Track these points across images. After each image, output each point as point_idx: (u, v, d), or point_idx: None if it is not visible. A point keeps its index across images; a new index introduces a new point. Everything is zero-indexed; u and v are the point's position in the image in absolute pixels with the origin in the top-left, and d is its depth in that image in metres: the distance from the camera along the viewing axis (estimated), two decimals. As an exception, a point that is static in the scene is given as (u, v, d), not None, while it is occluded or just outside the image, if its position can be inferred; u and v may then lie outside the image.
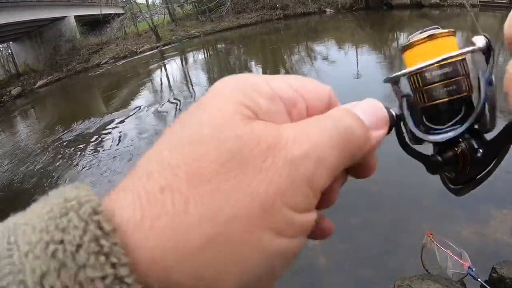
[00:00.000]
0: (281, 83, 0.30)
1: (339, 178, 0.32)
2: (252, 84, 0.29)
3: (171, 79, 17.20)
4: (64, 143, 10.91)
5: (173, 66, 20.18)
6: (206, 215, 0.22)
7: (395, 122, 0.42)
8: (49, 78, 24.96)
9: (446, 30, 0.50)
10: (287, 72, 14.43)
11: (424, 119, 0.51)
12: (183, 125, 0.26)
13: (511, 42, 0.36)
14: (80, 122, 12.52)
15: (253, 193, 0.23)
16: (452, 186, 0.53)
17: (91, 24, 32.54)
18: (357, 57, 14.82)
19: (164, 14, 34.19)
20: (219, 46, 23.90)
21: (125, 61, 25.14)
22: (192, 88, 14.67)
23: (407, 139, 0.47)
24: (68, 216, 0.21)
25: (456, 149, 0.48)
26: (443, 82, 0.48)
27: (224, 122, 0.25)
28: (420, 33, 0.50)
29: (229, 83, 0.29)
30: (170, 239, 0.22)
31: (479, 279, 3.54)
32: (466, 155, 0.48)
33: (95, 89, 19.58)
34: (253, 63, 17.91)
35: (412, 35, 0.51)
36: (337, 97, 0.36)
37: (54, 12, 26.34)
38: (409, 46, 0.51)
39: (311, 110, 0.31)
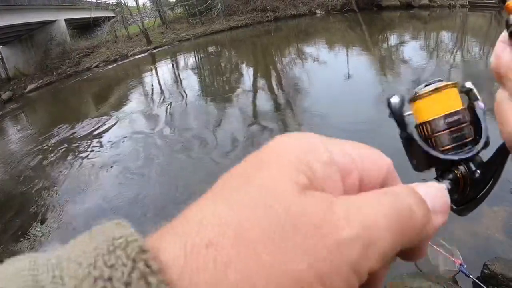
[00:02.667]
0: (339, 148, 0.29)
1: (388, 262, 0.29)
2: (310, 146, 0.28)
3: (162, 82, 17.16)
4: (55, 148, 10.84)
5: (164, 69, 20.15)
6: (241, 284, 0.22)
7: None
8: (39, 82, 24.79)
9: (450, 83, 0.53)
10: (277, 75, 14.47)
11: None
12: (240, 183, 0.26)
13: (496, 73, 0.41)
14: (70, 126, 12.45)
15: (292, 272, 0.22)
16: (454, 207, 0.54)
17: (82, 28, 32.41)
18: (347, 58, 14.85)
19: (155, 17, 34.16)
20: (210, 48, 23.91)
21: (115, 64, 25.05)
22: (183, 91, 14.64)
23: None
24: (115, 253, 0.21)
25: (456, 171, 0.51)
26: (448, 131, 0.52)
27: (279, 190, 0.25)
28: (425, 85, 0.54)
29: (288, 143, 0.28)
30: None
31: (470, 276, 3.55)
32: (465, 177, 0.51)
33: (86, 93, 19.48)
34: (244, 65, 17.89)
35: (418, 87, 0.54)
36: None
37: (44, 15, 26.24)
38: (416, 98, 0.54)
39: (365, 182, 0.29)
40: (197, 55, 23.00)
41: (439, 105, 0.52)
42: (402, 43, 16.00)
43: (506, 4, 0.38)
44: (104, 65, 25.52)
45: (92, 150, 9.94)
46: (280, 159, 0.27)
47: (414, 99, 0.55)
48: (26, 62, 28.32)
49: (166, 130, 10.28)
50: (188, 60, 21.81)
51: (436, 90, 0.53)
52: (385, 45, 16.55)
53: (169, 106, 12.50)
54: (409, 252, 0.30)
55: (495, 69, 0.41)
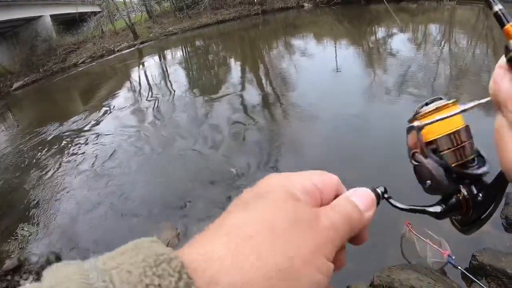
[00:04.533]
0: (308, 181, 0.42)
1: (343, 245, 0.42)
2: (289, 180, 0.41)
3: (149, 77, 17.01)
4: (42, 146, 10.72)
5: (151, 64, 19.97)
6: (282, 261, 0.33)
7: (381, 197, 0.49)
8: (25, 79, 24.42)
9: (450, 102, 0.55)
10: (265, 69, 14.44)
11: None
12: (255, 200, 0.38)
13: (494, 100, 0.43)
14: (58, 124, 12.32)
15: (308, 244, 0.35)
16: (460, 227, 0.59)
17: (67, 23, 31.98)
18: (336, 51, 14.84)
19: (142, 12, 33.88)
20: (197, 43, 23.77)
21: (102, 60, 24.82)
22: (171, 86, 14.56)
23: (398, 205, 0.55)
24: (161, 266, 0.27)
25: (458, 195, 0.55)
26: (451, 149, 0.55)
27: (285, 199, 0.37)
28: (426, 104, 0.57)
29: (278, 180, 0.41)
30: None
31: (459, 267, 3.56)
32: (468, 200, 0.54)
33: (73, 90, 19.27)
34: (232, 59, 17.82)
35: (419, 106, 0.57)
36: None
37: (29, 11, 25.80)
38: (418, 118, 0.57)
39: (324, 197, 0.42)
40: (185, 49, 22.86)
41: (441, 124, 0.54)
42: (390, 35, 16.03)
43: (505, 28, 0.39)
44: (91, 61, 25.26)
45: (80, 147, 9.86)
46: (278, 189, 0.39)
47: (414, 118, 0.57)
48: (11, 59, 27.82)
49: (154, 125, 10.22)
50: (175, 54, 21.67)
51: (437, 109, 0.55)
52: (372, 38, 16.57)
53: (156, 101, 12.40)
54: (355, 238, 0.44)
55: (494, 96, 0.43)
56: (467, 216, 0.56)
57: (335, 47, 15.70)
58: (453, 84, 9.16)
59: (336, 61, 12.95)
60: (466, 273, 3.56)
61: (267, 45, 18.96)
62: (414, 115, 0.58)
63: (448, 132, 0.54)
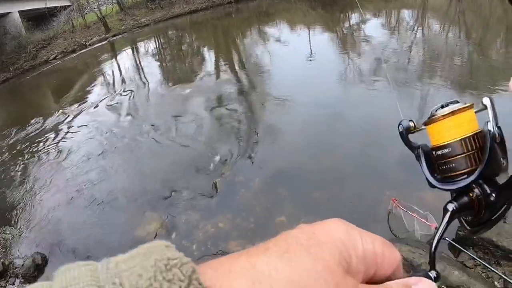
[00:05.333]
0: (370, 245, 0.37)
1: None
2: (351, 237, 0.36)
3: (123, 70, 16.82)
4: (16, 146, 10.57)
5: (124, 56, 19.73)
6: None
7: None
8: (-5, 80, 23.87)
9: (466, 105, 0.55)
10: (240, 57, 14.40)
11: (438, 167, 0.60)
12: (301, 250, 0.33)
13: None
14: (31, 123, 12.11)
15: None
16: (469, 228, 0.60)
17: (37, 19, 31.14)
18: (309, 38, 14.89)
19: (113, 4, 33.20)
20: (170, 33, 23.52)
21: (74, 55, 24.36)
22: (145, 78, 14.43)
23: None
24: (172, 271, 0.27)
25: (471, 194, 0.55)
26: (457, 157, 0.56)
27: (332, 267, 0.32)
28: (442, 107, 0.57)
29: (336, 230, 0.36)
30: None
31: (446, 238, 3.67)
32: (480, 200, 0.54)
33: (45, 87, 18.90)
34: (205, 49, 17.71)
35: (434, 108, 0.58)
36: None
37: (-4, 8, 25.19)
38: (432, 121, 0.58)
39: (378, 274, 0.37)
40: (158, 41, 22.60)
41: (456, 128, 0.55)
42: (363, 21, 16.12)
43: None
44: (63, 57, 24.75)
45: (57, 145, 9.77)
46: (331, 242, 0.34)
47: (430, 121, 0.58)
48: (-20, 59, 27.12)
49: (129, 118, 10.17)
50: (148, 46, 21.40)
51: (453, 113, 0.55)
52: (346, 24, 16.64)
53: (131, 94, 12.29)
54: None
55: None
56: (478, 217, 0.56)
57: (309, 33, 15.75)
58: (427, 68, 9.28)
59: (310, 47, 13.03)
60: (454, 244, 3.68)
61: (241, 34, 18.90)
62: (430, 117, 0.58)
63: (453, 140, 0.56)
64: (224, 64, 14.08)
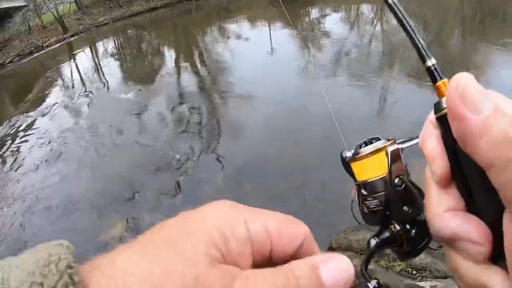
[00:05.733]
0: (259, 224, 0.34)
1: None
2: (231, 222, 0.33)
3: (82, 71, 16.45)
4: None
5: (83, 57, 19.26)
6: None
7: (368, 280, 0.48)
8: None
9: (388, 143, 0.58)
10: (200, 54, 14.37)
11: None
12: (165, 246, 0.31)
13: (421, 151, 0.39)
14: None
15: None
16: (397, 255, 0.62)
17: (-10, 21, 30.24)
18: (270, 34, 15.00)
19: (70, 3, 32.38)
20: (129, 32, 23.19)
21: (31, 57, 23.64)
22: (105, 78, 14.23)
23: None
24: (49, 266, 0.28)
25: (392, 230, 0.57)
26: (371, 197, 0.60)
27: (194, 260, 0.30)
28: (366, 144, 0.60)
29: (214, 215, 0.34)
30: None
31: None
32: (401, 235, 0.56)
33: (2, 92, 18.38)
34: (166, 47, 17.59)
35: (358, 144, 0.60)
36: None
37: None
38: (356, 159, 0.60)
39: (277, 254, 0.34)
40: (117, 40, 22.21)
41: (380, 166, 0.57)
42: (323, 16, 16.34)
43: (437, 85, 0.36)
44: (19, 59, 23.97)
45: (14, 152, 9.52)
46: (204, 230, 0.32)
47: (354, 159, 0.60)
48: None
49: (88, 120, 10.04)
50: (107, 45, 20.99)
51: (377, 151, 0.57)
52: (306, 19, 16.81)
53: (91, 95, 12.10)
54: None
55: (421, 148, 0.39)
56: (402, 249, 0.58)
57: (269, 29, 15.87)
58: (386, 61, 9.52)
59: (270, 43, 13.17)
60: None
61: (201, 31, 18.82)
62: (354, 154, 0.60)
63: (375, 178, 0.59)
64: (185, 62, 14.02)
